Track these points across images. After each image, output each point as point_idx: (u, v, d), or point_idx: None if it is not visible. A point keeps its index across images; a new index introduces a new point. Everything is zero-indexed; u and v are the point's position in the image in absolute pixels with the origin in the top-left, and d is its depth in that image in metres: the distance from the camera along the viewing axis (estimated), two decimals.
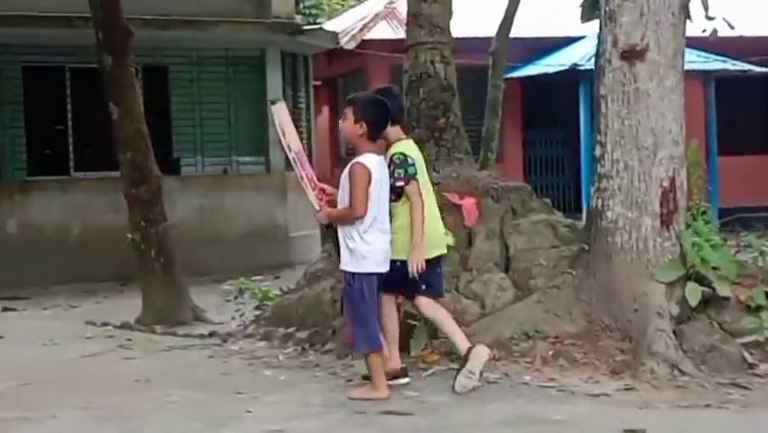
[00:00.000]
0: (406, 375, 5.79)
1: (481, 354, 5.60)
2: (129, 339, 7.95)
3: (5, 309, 10.70)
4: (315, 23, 21.78)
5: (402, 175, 5.55)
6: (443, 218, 6.06)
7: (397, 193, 5.57)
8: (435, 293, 5.78)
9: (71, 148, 13.79)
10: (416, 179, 5.59)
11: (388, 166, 5.57)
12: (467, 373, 5.53)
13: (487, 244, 7.16)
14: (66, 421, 5.20)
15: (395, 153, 5.62)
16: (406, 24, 8.36)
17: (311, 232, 15.37)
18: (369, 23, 17.77)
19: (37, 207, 13.22)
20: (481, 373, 5.58)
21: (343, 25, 19.08)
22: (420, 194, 5.58)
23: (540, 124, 18.09)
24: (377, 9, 18.38)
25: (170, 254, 9.40)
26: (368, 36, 17.45)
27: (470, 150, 8.32)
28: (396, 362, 5.76)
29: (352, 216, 5.36)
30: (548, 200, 8.06)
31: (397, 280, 5.57)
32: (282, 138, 5.80)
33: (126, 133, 9.41)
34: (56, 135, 13.73)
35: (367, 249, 5.38)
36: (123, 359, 7.05)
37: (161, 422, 5.15)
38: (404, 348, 6.39)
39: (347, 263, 5.46)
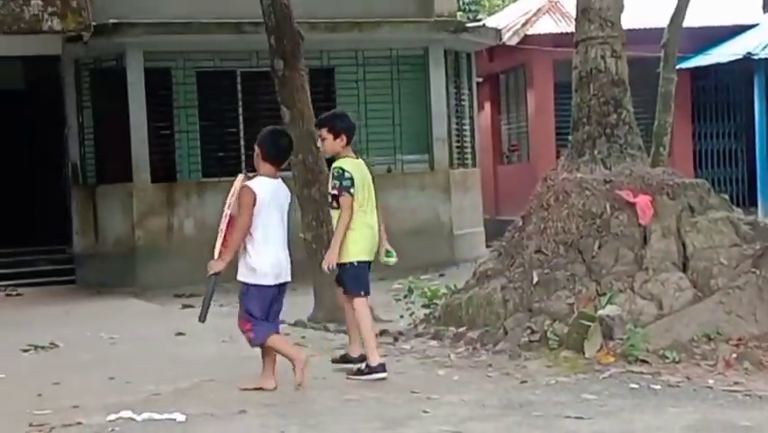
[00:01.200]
0: (359, 362, 6.35)
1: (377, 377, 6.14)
2: (303, 336, 8.13)
3: (184, 306, 11.14)
4: (475, 20, 21.72)
5: (337, 186, 6.35)
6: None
7: (336, 201, 6.37)
8: (363, 293, 6.49)
9: (243, 150, 14.23)
10: (350, 193, 6.31)
11: (330, 177, 6.45)
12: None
13: (663, 242, 6.97)
14: (251, 418, 5.35)
15: (335, 167, 6.44)
16: (576, 19, 8.21)
17: (475, 230, 15.38)
18: (531, 17, 17.60)
19: (212, 208, 13.67)
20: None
21: (505, 21, 18.95)
22: (351, 206, 6.31)
23: (711, 115, 17.49)
24: (540, 3, 18.17)
25: None
26: (530, 31, 17.29)
27: (642, 146, 8.11)
28: (354, 347, 6.51)
29: (238, 230, 5.95)
30: (726, 196, 7.78)
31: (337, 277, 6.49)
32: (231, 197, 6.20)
33: (297, 136, 9.57)
34: (228, 137, 14.20)
35: (256, 263, 5.99)
36: None
37: (342, 420, 5.24)
38: (578, 349, 6.30)
39: (241, 274, 6.10)
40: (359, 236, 6.40)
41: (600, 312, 6.50)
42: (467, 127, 15.73)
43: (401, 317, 9.26)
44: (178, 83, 13.96)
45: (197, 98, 14.19)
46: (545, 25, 17.36)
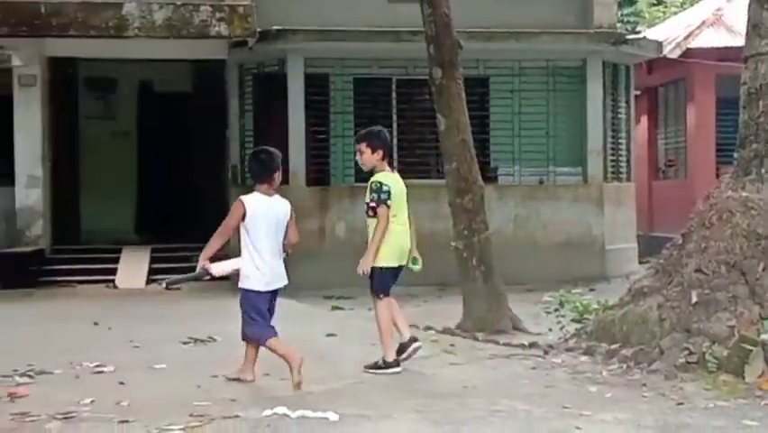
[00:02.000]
0: (416, 340, 7.11)
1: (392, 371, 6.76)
2: (452, 345, 8.15)
3: (335, 308, 11.35)
4: (634, 32, 21.32)
5: (375, 198, 6.93)
6: None
7: (374, 211, 6.97)
8: (381, 296, 7.12)
9: (396, 156, 14.38)
10: (387, 204, 6.89)
11: (369, 190, 6.99)
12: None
13: None
14: (401, 422, 5.41)
15: (373, 181, 7.00)
16: (746, 34, 7.95)
17: (628, 245, 15.08)
18: (694, 30, 17.16)
19: (363, 212, 13.84)
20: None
21: (666, 33, 18.51)
22: (387, 216, 6.91)
23: None
24: (703, 16, 17.68)
25: (491, 263, 9.54)
26: (693, 44, 16.86)
27: None
28: (405, 333, 7.15)
29: (217, 235, 6.53)
30: None
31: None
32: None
33: (452, 144, 9.66)
34: None
35: (249, 271, 6.56)
36: (449, 364, 7.24)
37: (492, 431, 5.24)
38: (738, 373, 6.10)
39: (240, 280, 6.63)
40: (387, 245, 7.01)
41: (763, 336, 6.28)
42: (623, 141, 15.44)
43: (550, 330, 9.19)
44: (335, 89, 14.23)
45: (353, 104, 14.45)
46: (708, 39, 16.89)
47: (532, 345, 8.07)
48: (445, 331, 9.00)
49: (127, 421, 5.42)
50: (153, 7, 13.02)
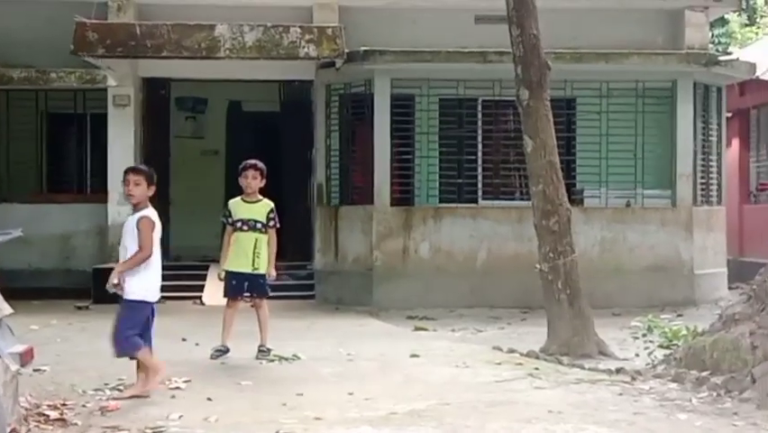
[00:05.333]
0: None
1: None
2: (536, 368, 8.07)
3: (417, 329, 11.35)
4: (725, 53, 20.93)
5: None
6: None
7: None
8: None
9: (480, 177, 14.36)
10: (224, 221, 8.85)
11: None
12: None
13: None
14: None
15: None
16: None
17: (718, 270, 14.78)
18: None
19: (447, 233, 13.90)
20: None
21: (759, 54, 18.12)
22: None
23: None
24: None
25: (577, 286, 9.44)
26: None
27: None
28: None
29: (144, 257, 6.77)
30: None
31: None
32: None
33: (539, 165, 9.61)
34: (467, 164, 14.37)
35: (149, 281, 6.84)
36: (534, 388, 7.16)
37: None
38: None
39: (132, 293, 6.80)
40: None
41: None
42: (713, 164, 15.15)
43: (637, 355, 9.03)
44: (421, 109, 14.27)
45: (438, 125, 14.48)
46: None
47: (619, 370, 7.94)
48: (530, 354, 8.91)
49: None
50: (244, 29, 13.27)
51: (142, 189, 6.93)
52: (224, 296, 8.83)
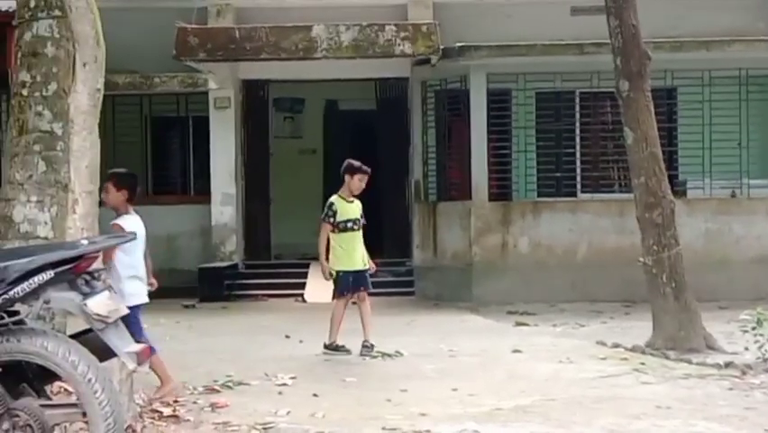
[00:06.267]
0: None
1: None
2: (642, 363, 7.97)
3: (518, 324, 11.30)
4: None
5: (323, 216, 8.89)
6: None
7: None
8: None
9: (579, 170, 14.20)
10: (328, 222, 8.83)
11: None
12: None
13: None
14: None
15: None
16: None
17: None
18: None
19: (546, 227, 13.79)
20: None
21: None
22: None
23: None
24: None
25: (682, 279, 9.26)
26: None
27: None
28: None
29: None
30: None
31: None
32: None
33: (640, 158, 9.45)
34: (565, 158, 14.24)
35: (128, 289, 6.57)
36: (641, 383, 7.08)
37: None
38: None
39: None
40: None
41: None
42: None
43: (746, 349, 8.80)
44: (517, 103, 14.19)
45: (536, 119, 14.37)
46: None
47: (728, 364, 7.79)
48: (635, 349, 8.79)
49: None
50: (340, 29, 13.40)
51: (113, 195, 6.78)
52: (340, 295, 8.79)
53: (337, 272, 8.74)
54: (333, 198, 8.94)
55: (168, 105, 15.46)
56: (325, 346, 8.68)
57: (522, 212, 13.88)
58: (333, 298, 8.88)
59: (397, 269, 14.37)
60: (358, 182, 8.86)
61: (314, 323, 11.22)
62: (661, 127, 10.28)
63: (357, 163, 8.96)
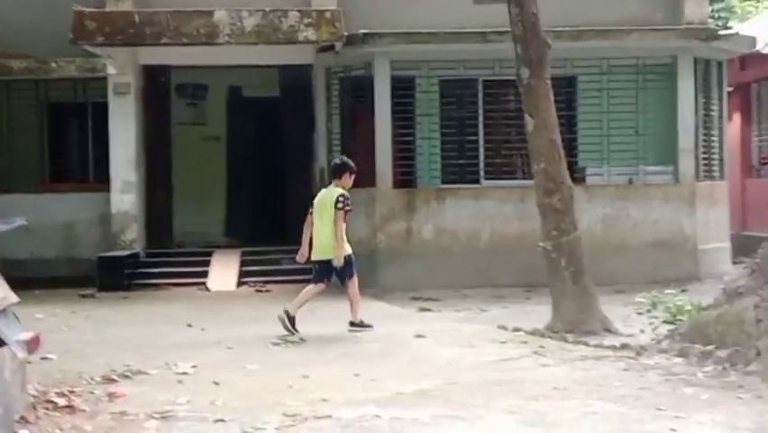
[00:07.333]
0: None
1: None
2: (541, 346, 8.09)
3: (422, 310, 11.37)
4: (725, 27, 20.89)
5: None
6: None
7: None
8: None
9: (482, 157, 14.34)
10: (347, 211, 9.23)
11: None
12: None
13: None
14: (494, 423, 5.40)
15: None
16: None
17: (721, 245, 14.80)
18: None
19: (450, 214, 13.91)
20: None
21: (759, 28, 18.07)
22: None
23: None
24: None
25: (580, 263, 9.45)
26: None
27: None
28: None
29: None
30: None
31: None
32: None
33: (540, 144, 9.61)
34: (468, 145, 14.36)
35: None
36: (540, 366, 7.19)
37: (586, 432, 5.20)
38: None
39: None
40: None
41: None
42: (715, 139, 15.13)
43: (642, 331, 9.07)
44: (421, 91, 14.26)
45: (439, 106, 14.46)
46: None
47: (624, 346, 7.97)
48: (534, 332, 8.94)
49: (222, 421, 5.52)
50: (243, 14, 13.25)
51: None
52: (353, 275, 9.34)
53: (349, 256, 9.20)
54: (343, 191, 9.32)
55: (65, 91, 15.11)
56: (352, 324, 9.13)
57: (426, 199, 13.97)
58: (349, 279, 9.33)
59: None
60: (351, 179, 9.48)
61: (216, 311, 11.12)
62: (560, 115, 10.46)
63: (353, 165, 9.56)
